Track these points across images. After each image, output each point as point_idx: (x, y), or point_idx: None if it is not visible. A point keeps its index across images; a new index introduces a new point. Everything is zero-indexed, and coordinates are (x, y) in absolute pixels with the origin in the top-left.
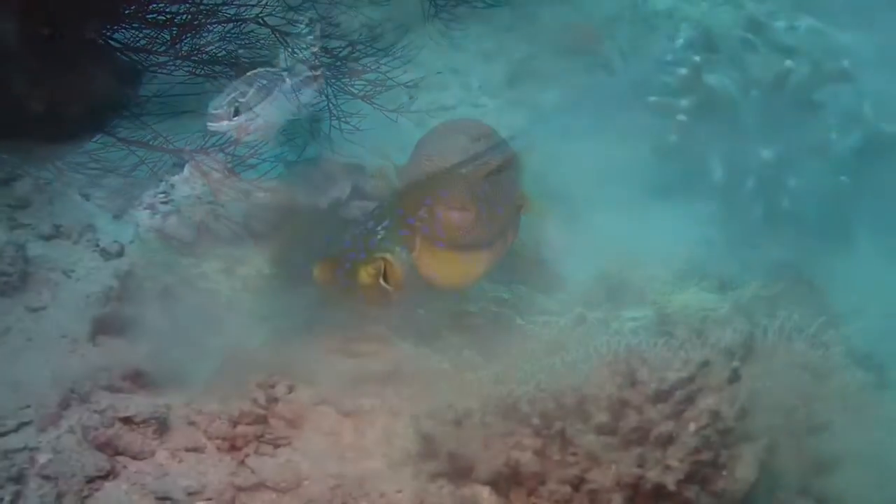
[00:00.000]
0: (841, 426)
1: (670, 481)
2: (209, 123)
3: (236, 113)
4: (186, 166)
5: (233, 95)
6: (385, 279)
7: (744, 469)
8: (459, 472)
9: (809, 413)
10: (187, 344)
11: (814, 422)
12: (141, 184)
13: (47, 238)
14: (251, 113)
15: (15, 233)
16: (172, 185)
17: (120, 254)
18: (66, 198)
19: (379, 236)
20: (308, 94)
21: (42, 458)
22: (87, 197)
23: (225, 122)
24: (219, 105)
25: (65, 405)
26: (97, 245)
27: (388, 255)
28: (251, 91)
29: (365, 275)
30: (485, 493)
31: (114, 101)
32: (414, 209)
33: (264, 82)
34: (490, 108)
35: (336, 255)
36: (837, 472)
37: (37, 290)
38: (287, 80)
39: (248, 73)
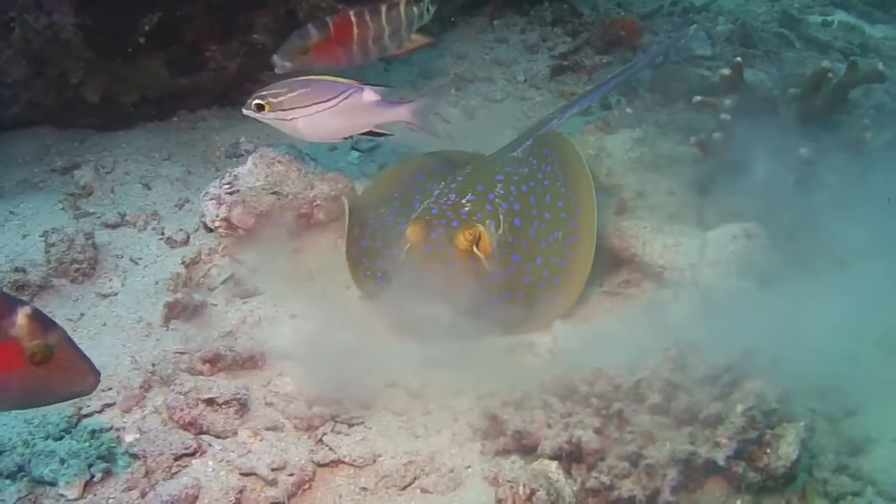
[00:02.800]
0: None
1: (720, 457)
2: (242, 109)
3: (259, 108)
4: (250, 158)
5: (264, 92)
6: (478, 247)
7: (786, 447)
8: (525, 448)
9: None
10: (255, 329)
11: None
12: (199, 173)
13: (113, 226)
14: (282, 114)
15: (81, 221)
16: (236, 176)
17: (185, 242)
18: (128, 186)
19: (467, 208)
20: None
21: (129, 438)
22: (147, 186)
23: (250, 113)
24: (251, 98)
25: (147, 387)
26: (162, 233)
27: (480, 226)
28: (289, 94)
29: (463, 239)
30: (553, 466)
31: (169, 90)
32: (492, 186)
33: (308, 90)
34: (537, 101)
35: (428, 218)
36: (871, 452)
37: (107, 277)
38: (351, 95)
39: (302, 78)
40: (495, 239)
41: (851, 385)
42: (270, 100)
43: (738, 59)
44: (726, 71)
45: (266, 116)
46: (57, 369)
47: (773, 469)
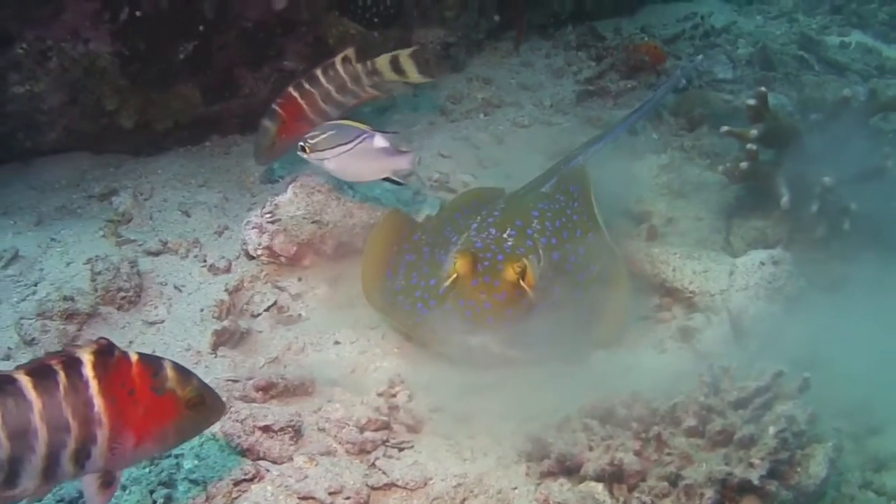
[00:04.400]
0: None
1: (755, 477)
2: (297, 152)
3: (303, 150)
4: (290, 187)
5: (308, 135)
6: (523, 280)
7: (816, 466)
8: (568, 469)
9: (868, 417)
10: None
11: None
12: (236, 199)
13: (156, 254)
14: (318, 154)
15: (124, 248)
16: (277, 205)
17: (228, 269)
18: (166, 213)
19: (510, 243)
20: (399, 162)
21: (188, 464)
22: (187, 213)
23: (304, 155)
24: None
25: None
26: (204, 260)
27: (525, 259)
28: (320, 137)
29: (512, 272)
30: (599, 488)
31: (202, 116)
32: (529, 221)
33: (334, 133)
34: (565, 127)
35: (474, 251)
36: (894, 468)
37: (152, 305)
38: (363, 140)
39: (332, 122)
40: (538, 272)
41: (875, 404)
42: (309, 142)
43: (763, 88)
44: (752, 101)
45: (309, 157)
46: (203, 408)
47: (804, 487)
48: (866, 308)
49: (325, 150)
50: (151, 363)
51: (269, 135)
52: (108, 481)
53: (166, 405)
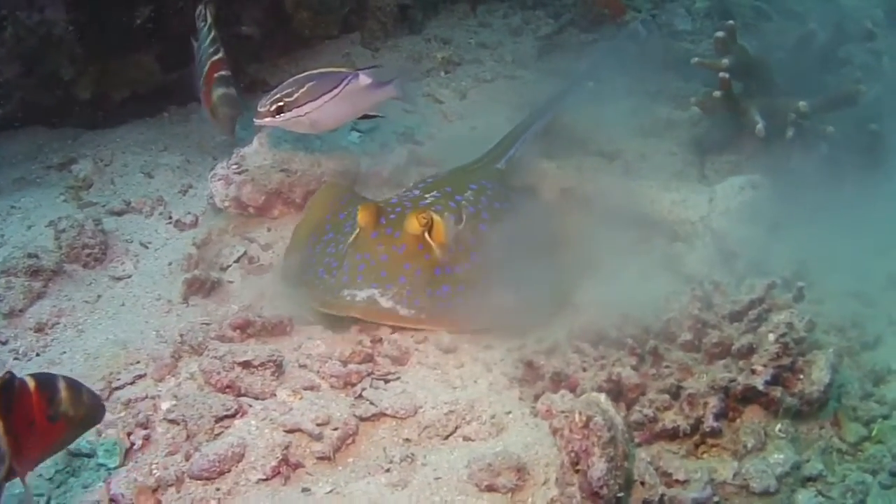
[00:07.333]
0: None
1: (759, 382)
2: (255, 120)
3: (279, 111)
4: (255, 138)
5: (278, 95)
6: (430, 234)
7: (819, 372)
8: (565, 389)
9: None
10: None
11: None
12: (198, 161)
13: (119, 213)
14: (298, 110)
15: (86, 210)
16: (244, 156)
17: (194, 224)
18: (128, 177)
19: (427, 201)
20: (386, 92)
21: (165, 405)
22: (149, 175)
23: (268, 119)
24: (263, 104)
25: (178, 356)
26: (170, 217)
27: (436, 214)
28: (299, 91)
29: (415, 222)
30: (601, 398)
31: (159, 85)
32: (462, 189)
33: (314, 83)
34: (528, 79)
35: (382, 205)
36: (893, 381)
37: (119, 261)
38: (350, 82)
39: (302, 74)
40: (452, 232)
41: (865, 321)
42: (286, 99)
43: (731, 21)
44: (720, 34)
45: (285, 118)
46: (90, 419)
47: (808, 394)
48: (848, 229)
49: (306, 102)
50: (47, 388)
51: (232, 100)
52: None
53: (59, 428)
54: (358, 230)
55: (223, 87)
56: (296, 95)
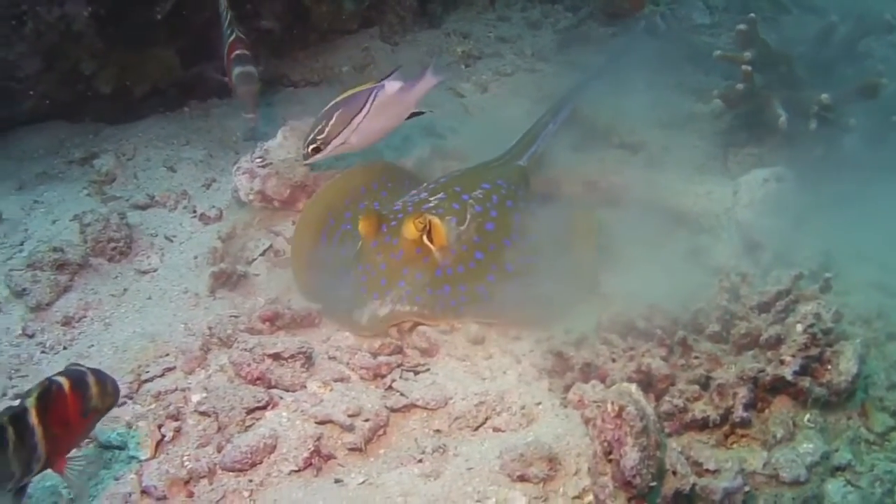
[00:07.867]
0: None
1: (788, 373)
2: (304, 162)
3: (317, 151)
4: (280, 131)
5: (311, 136)
6: (429, 238)
7: (846, 363)
8: (595, 380)
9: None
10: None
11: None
12: (221, 156)
13: (143, 207)
14: (335, 142)
15: (110, 204)
16: (267, 150)
17: (219, 217)
18: (151, 171)
19: (431, 204)
20: (425, 85)
21: (196, 397)
22: (172, 169)
23: (314, 159)
24: (301, 150)
25: (206, 349)
26: (194, 211)
27: (435, 218)
28: (329, 124)
29: (411, 226)
30: (633, 388)
31: (179, 80)
32: (470, 189)
33: (341, 110)
34: (548, 72)
35: (384, 213)
36: None
37: (144, 255)
38: (377, 95)
39: (329, 104)
40: (453, 234)
41: (891, 312)
42: (317, 137)
43: (753, 14)
44: (742, 26)
45: (326, 153)
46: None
47: (836, 384)
48: (872, 221)
49: (339, 132)
50: (80, 387)
51: (249, 77)
52: None
53: (89, 420)
54: (360, 241)
55: (240, 66)
56: (326, 130)
